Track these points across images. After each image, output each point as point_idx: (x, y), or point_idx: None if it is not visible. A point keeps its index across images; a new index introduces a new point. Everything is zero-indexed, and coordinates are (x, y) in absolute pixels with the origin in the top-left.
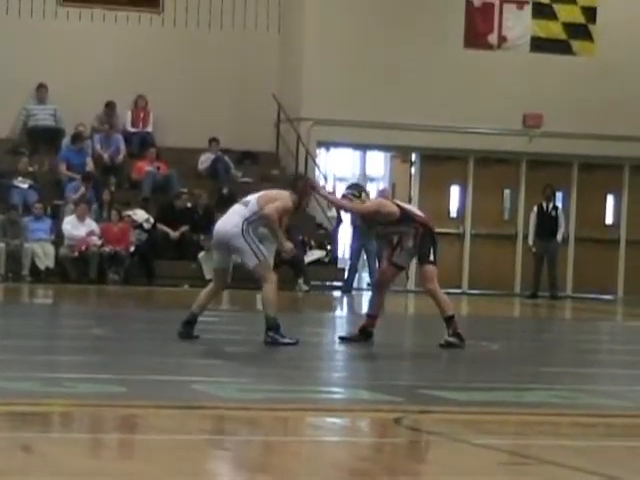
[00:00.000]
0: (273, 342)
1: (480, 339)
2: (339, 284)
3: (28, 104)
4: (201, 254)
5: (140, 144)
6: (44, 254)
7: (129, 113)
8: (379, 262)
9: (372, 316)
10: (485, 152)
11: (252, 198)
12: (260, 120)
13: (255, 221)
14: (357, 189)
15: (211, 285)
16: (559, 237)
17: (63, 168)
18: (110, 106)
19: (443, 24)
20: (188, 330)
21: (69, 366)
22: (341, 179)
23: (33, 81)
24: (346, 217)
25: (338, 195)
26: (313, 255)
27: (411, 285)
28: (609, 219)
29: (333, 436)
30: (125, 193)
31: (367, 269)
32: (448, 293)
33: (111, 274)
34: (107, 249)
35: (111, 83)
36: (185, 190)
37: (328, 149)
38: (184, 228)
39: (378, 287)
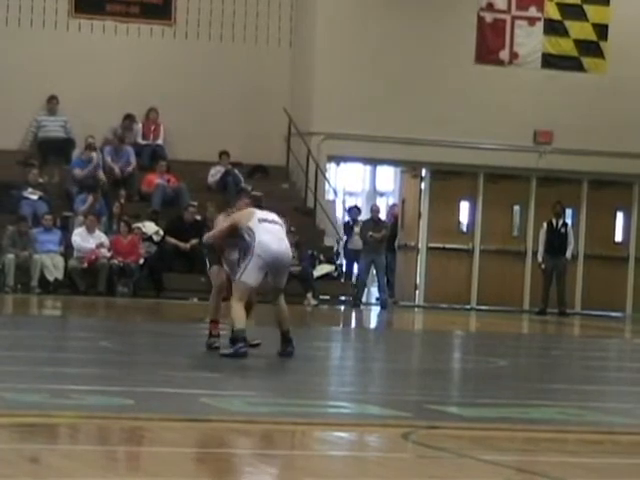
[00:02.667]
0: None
1: (488, 355)
2: (348, 298)
3: (39, 115)
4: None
5: (151, 157)
6: (53, 266)
7: (140, 126)
8: (388, 277)
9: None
10: (495, 168)
11: (278, 220)
12: (271, 134)
13: None
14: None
15: (240, 304)
16: (568, 254)
17: (73, 179)
18: (130, 118)
19: (455, 40)
20: (286, 348)
21: (77, 378)
22: (351, 194)
23: (44, 93)
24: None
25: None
26: (322, 269)
27: (420, 300)
28: (618, 236)
29: (341, 451)
30: (135, 205)
31: (376, 284)
32: (455, 309)
33: (120, 286)
34: (116, 261)
35: (122, 95)
36: (195, 203)
37: (338, 163)
38: (194, 241)
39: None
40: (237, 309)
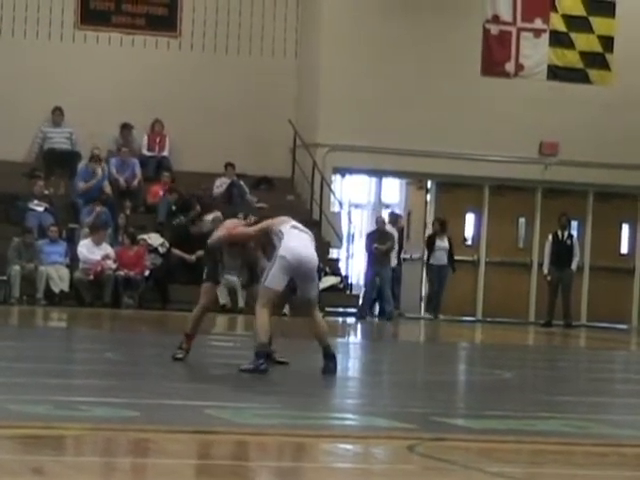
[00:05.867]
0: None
1: (494, 367)
2: (353, 311)
3: (44, 127)
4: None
5: (156, 168)
6: (59, 277)
7: (145, 137)
8: (393, 289)
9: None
10: (501, 180)
11: (310, 233)
12: (276, 146)
13: None
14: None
15: (265, 311)
16: (574, 266)
17: (78, 191)
18: (127, 128)
19: (460, 52)
20: (327, 364)
21: (82, 390)
22: (356, 205)
23: (49, 104)
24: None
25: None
26: (327, 282)
27: (425, 313)
28: (624, 248)
29: (347, 463)
30: (140, 217)
31: (382, 296)
32: (462, 321)
33: (126, 298)
34: (122, 273)
35: (128, 107)
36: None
37: (344, 175)
38: (199, 252)
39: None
40: (261, 319)
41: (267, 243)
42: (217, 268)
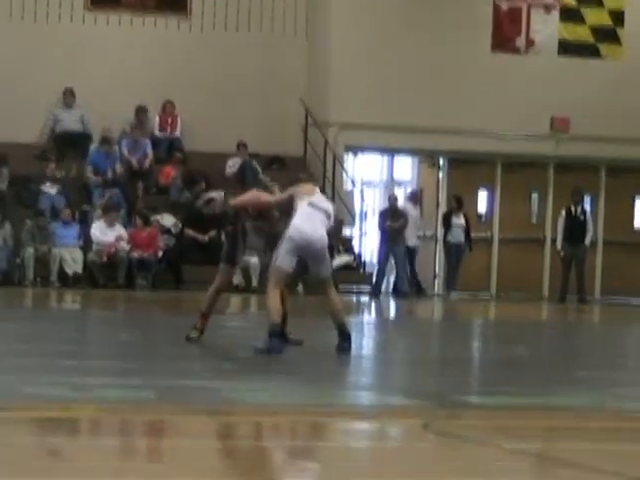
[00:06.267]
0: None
1: (508, 343)
2: (367, 288)
3: (55, 109)
4: None
5: (168, 149)
6: (72, 260)
7: (157, 118)
8: (413, 268)
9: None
10: (513, 156)
11: (331, 210)
12: (288, 124)
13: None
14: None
15: (276, 291)
16: (587, 241)
17: (90, 173)
18: (142, 110)
19: (471, 28)
20: (341, 342)
21: (97, 372)
22: (369, 184)
23: (60, 86)
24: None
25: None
26: (341, 260)
27: (439, 290)
28: (638, 223)
29: (361, 441)
30: (153, 198)
31: (395, 273)
32: (475, 297)
33: (139, 279)
34: (135, 254)
35: (139, 88)
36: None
37: (356, 154)
38: (212, 233)
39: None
40: (273, 299)
41: (288, 213)
42: (236, 249)
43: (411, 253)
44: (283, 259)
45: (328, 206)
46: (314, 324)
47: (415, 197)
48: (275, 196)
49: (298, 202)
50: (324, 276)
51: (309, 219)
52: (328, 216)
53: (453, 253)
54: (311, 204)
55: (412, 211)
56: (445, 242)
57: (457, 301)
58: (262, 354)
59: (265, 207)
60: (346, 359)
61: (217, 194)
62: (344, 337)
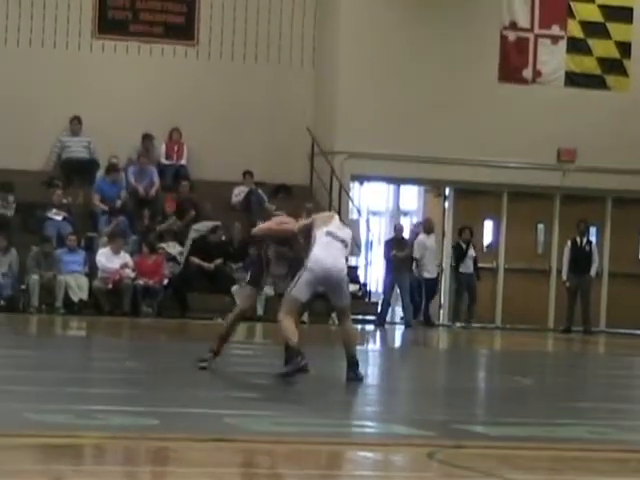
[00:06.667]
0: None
1: (513, 374)
2: (372, 318)
3: (62, 136)
4: (234, 287)
5: (174, 177)
6: (77, 286)
7: (163, 146)
8: (412, 296)
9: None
10: (519, 186)
11: (348, 240)
12: (294, 153)
13: None
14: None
15: (289, 319)
16: (593, 272)
17: (97, 200)
18: (148, 138)
19: (478, 58)
20: (350, 373)
21: (102, 398)
22: (375, 213)
23: (67, 113)
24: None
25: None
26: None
27: (444, 320)
28: None
29: (366, 470)
30: (159, 226)
31: (400, 303)
32: (483, 327)
33: (144, 307)
34: (141, 282)
35: (146, 116)
36: (218, 223)
37: (362, 183)
38: (218, 261)
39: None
40: (287, 324)
41: (308, 240)
42: (262, 274)
43: (430, 285)
44: (300, 289)
45: (346, 234)
46: (319, 353)
47: (427, 226)
48: (297, 223)
49: (316, 231)
50: (343, 305)
51: (328, 249)
52: (346, 245)
53: (465, 284)
54: (329, 233)
55: (427, 241)
56: (458, 273)
57: (462, 330)
58: (290, 376)
59: (287, 235)
60: (350, 388)
61: (212, 224)
62: (353, 367)
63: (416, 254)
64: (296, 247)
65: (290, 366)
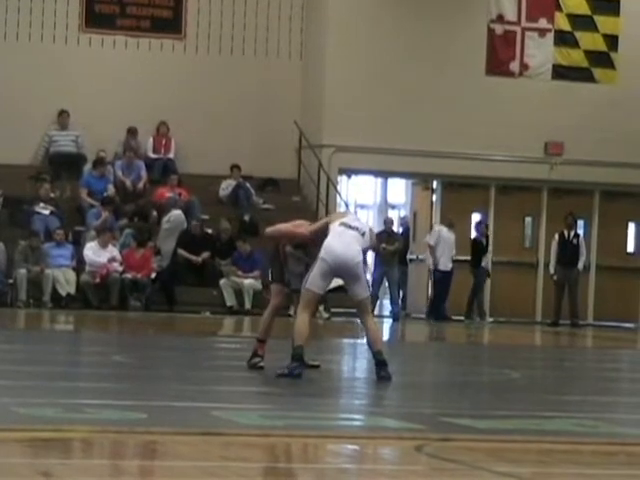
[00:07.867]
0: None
1: (501, 367)
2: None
3: (50, 130)
4: (222, 281)
5: (162, 171)
6: (65, 280)
7: (150, 139)
8: (400, 290)
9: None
10: (506, 180)
11: (365, 229)
12: (282, 147)
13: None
14: None
15: (305, 315)
16: (580, 265)
17: (84, 194)
18: (132, 132)
19: (465, 52)
20: (379, 372)
21: (90, 392)
22: (362, 206)
23: (55, 107)
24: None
25: None
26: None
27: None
28: (630, 247)
29: (354, 464)
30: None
31: (389, 296)
32: (471, 321)
33: (132, 301)
34: (129, 276)
35: (133, 109)
36: (206, 217)
37: (349, 176)
38: (205, 254)
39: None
40: (301, 322)
41: (322, 242)
42: (283, 269)
43: (446, 277)
44: (314, 281)
45: (362, 225)
46: (310, 347)
47: (449, 222)
48: (308, 228)
49: (330, 226)
50: (361, 298)
51: (340, 237)
52: (362, 233)
53: (481, 277)
54: (343, 224)
55: (445, 233)
56: (479, 267)
57: (449, 324)
58: (284, 378)
59: (300, 239)
60: (337, 382)
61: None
62: (380, 365)
63: (431, 241)
64: (312, 251)
65: (285, 369)
